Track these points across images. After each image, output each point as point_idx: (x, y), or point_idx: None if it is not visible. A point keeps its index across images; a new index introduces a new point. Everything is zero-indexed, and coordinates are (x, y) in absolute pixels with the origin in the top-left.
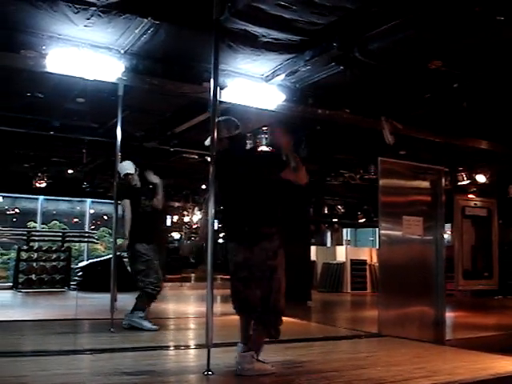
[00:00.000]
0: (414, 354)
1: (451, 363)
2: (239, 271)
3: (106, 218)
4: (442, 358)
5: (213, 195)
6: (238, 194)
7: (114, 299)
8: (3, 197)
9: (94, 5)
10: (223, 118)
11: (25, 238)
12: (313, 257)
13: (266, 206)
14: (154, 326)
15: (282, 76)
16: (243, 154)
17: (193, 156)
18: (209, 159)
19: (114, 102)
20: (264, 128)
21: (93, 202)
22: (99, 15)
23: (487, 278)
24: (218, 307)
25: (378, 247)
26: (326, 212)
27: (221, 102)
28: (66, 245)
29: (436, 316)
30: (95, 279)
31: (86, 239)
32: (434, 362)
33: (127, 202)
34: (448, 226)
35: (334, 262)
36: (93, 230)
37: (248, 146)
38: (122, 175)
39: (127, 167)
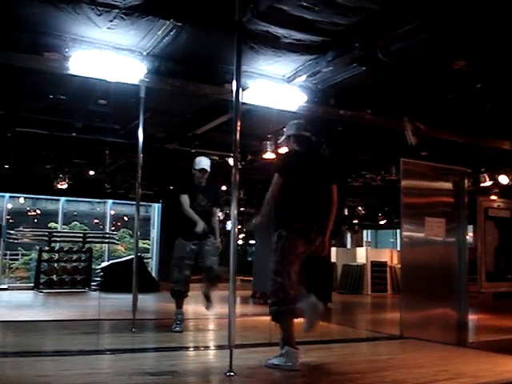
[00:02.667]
0: (437, 357)
1: (474, 366)
2: (296, 263)
3: (126, 219)
4: (465, 361)
5: (236, 197)
6: (307, 192)
7: (135, 299)
8: (25, 198)
9: (116, 7)
10: (294, 121)
11: (46, 238)
12: (333, 258)
13: (325, 206)
14: (173, 325)
15: (304, 77)
16: (311, 155)
17: (214, 157)
18: (230, 161)
19: (135, 104)
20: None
21: (113, 203)
22: (122, 17)
23: (511, 280)
24: (239, 308)
25: (399, 249)
26: (347, 213)
27: (242, 103)
28: (86, 245)
29: (459, 318)
30: (116, 280)
31: (106, 240)
32: (458, 364)
33: (185, 197)
34: (470, 228)
35: (354, 263)
36: (113, 231)
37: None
38: (196, 168)
39: (205, 163)
